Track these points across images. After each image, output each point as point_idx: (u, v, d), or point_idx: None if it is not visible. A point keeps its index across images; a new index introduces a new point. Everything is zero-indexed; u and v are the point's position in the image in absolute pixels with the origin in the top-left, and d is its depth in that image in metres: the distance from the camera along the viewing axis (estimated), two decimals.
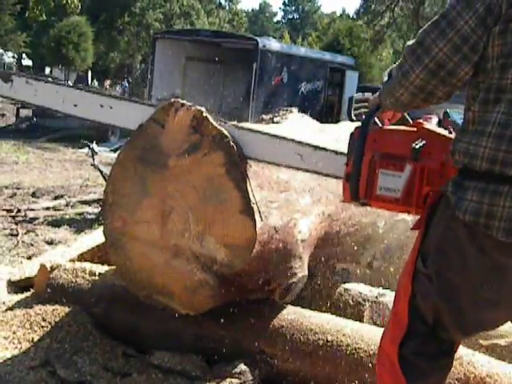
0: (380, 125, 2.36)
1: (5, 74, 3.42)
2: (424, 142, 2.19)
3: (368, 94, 2.49)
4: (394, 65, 2.16)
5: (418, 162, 2.19)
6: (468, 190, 1.88)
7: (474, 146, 1.89)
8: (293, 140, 2.89)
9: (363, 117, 2.38)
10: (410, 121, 2.37)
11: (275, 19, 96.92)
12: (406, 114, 2.44)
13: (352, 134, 2.38)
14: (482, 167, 1.87)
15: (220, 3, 68.62)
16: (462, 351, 2.92)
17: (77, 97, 3.30)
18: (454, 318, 2.02)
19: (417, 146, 2.17)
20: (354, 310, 3.65)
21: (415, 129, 2.26)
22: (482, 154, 1.86)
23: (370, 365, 2.96)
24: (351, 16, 51.08)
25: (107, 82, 38.81)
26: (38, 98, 3.35)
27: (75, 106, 3.28)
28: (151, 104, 3.08)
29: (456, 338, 2.15)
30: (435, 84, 1.99)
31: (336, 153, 2.72)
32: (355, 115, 2.48)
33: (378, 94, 2.33)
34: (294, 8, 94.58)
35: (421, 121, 2.32)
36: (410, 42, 2.04)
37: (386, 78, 2.19)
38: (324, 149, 2.81)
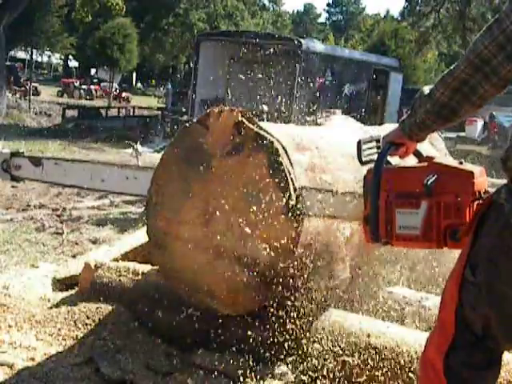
0: (393, 164, 2.36)
1: (35, 160, 3.56)
2: (435, 176, 2.18)
3: (376, 136, 2.50)
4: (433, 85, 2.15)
5: (432, 197, 2.18)
6: None
7: None
8: (315, 189, 2.93)
9: (374, 158, 2.38)
10: (423, 154, 2.35)
11: (319, 20, 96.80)
12: (418, 148, 2.42)
13: (365, 177, 2.38)
14: None
15: (264, 5, 68.78)
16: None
17: (103, 172, 3.45)
18: (505, 328, 1.97)
19: (428, 182, 2.16)
20: (396, 314, 3.61)
21: (426, 164, 2.25)
22: None
23: (412, 369, 2.93)
24: (396, 17, 50.79)
25: (138, 85, 39.19)
26: (67, 177, 3.55)
27: (102, 181, 3.42)
28: None
29: (504, 348, 2.11)
30: (479, 79, 1.96)
31: (355, 196, 2.73)
32: (365, 157, 2.47)
33: (398, 126, 2.32)
34: (338, 10, 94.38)
35: (431, 155, 2.32)
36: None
37: (427, 91, 2.17)
38: (342, 193, 2.83)
